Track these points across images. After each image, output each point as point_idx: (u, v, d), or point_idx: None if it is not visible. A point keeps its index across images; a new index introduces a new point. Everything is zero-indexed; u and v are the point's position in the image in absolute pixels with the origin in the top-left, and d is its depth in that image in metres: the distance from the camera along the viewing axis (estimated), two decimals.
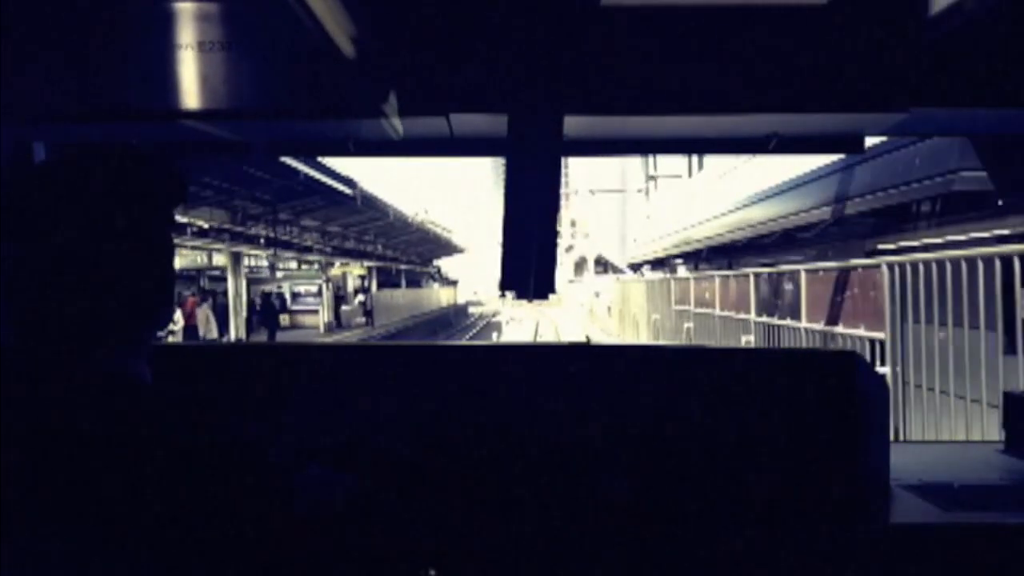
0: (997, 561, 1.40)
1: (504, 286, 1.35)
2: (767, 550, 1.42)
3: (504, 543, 1.42)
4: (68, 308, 0.91)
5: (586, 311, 40.95)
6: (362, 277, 32.56)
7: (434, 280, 54.89)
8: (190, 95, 1.31)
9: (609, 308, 29.52)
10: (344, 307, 28.25)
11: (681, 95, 1.34)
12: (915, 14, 1.26)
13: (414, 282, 45.82)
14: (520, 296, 1.37)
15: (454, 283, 67.79)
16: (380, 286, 35.17)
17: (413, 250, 42.74)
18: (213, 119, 1.41)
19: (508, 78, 1.32)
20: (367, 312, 28.69)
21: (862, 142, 1.61)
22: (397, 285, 39.28)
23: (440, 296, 48.57)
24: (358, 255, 31.92)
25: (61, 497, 0.83)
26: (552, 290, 1.34)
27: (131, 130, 1.51)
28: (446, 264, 68.99)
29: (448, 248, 49.74)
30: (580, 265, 58.40)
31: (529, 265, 1.33)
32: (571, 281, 57.48)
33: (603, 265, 52.29)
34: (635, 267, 32.00)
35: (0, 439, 0.83)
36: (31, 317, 0.92)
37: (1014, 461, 1.82)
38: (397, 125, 1.38)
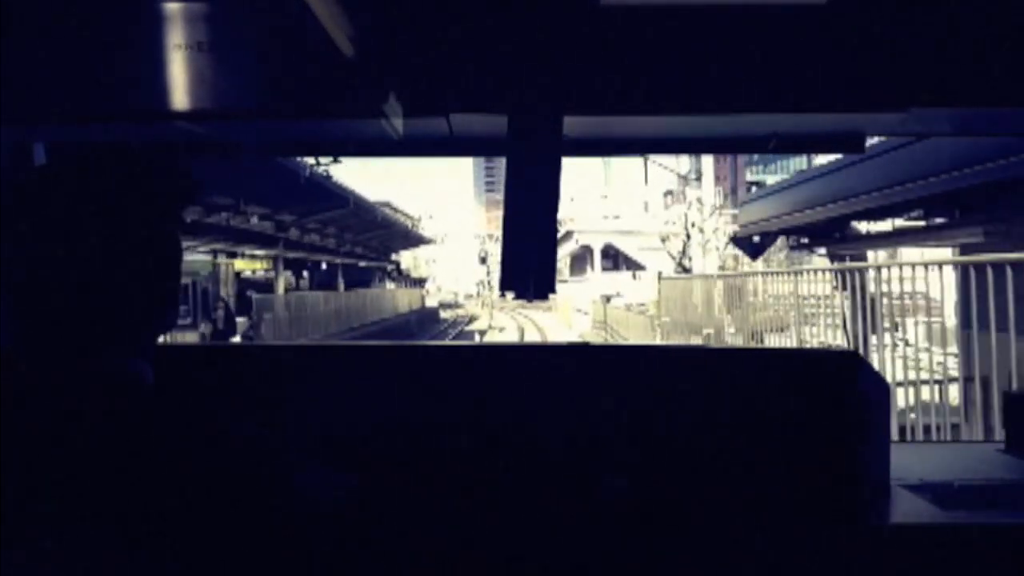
0: (997, 561, 1.40)
1: (504, 286, 1.35)
2: (767, 549, 1.42)
3: (505, 542, 1.42)
4: (70, 309, 0.91)
5: (590, 322, 28.65)
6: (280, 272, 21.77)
7: (392, 279, 44.06)
8: (190, 95, 1.31)
9: (659, 325, 15.60)
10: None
11: (681, 95, 1.34)
12: (915, 14, 1.26)
13: (362, 281, 35.49)
14: (519, 296, 1.37)
15: (421, 282, 56.49)
16: (317, 286, 27.65)
17: (352, 238, 29.25)
18: (213, 119, 1.41)
19: (508, 78, 1.32)
20: (225, 329, 16.72)
21: (862, 142, 1.61)
22: (331, 285, 28.83)
23: (398, 299, 38.11)
24: (258, 240, 20.14)
25: (62, 497, 0.83)
26: (552, 290, 1.35)
27: (131, 130, 1.51)
28: (416, 260, 57.16)
29: (410, 238, 39.84)
30: (581, 258, 45.71)
31: (529, 265, 1.33)
32: (564, 281, 44.47)
33: (612, 258, 42.26)
34: (758, 244, 14.55)
35: (1, 440, 0.84)
36: (33, 318, 0.92)
37: (1014, 461, 1.82)
38: (397, 125, 1.38)
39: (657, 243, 35.06)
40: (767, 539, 1.43)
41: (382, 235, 32.64)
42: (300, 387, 1.57)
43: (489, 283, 45.13)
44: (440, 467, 1.54)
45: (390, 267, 43.58)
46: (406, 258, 52.60)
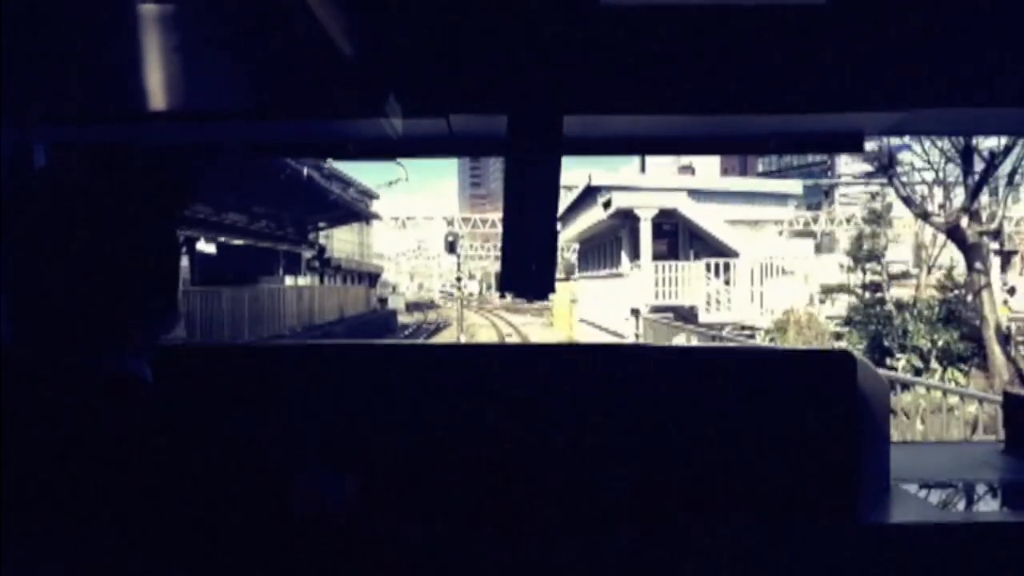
0: (997, 561, 1.40)
1: (504, 287, 1.35)
2: (766, 549, 1.42)
3: (505, 543, 1.42)
4: (69, 309, 0.92)
5: None
6: None
7: (314, 270, 28.33)
8: (190, 96, 1.30)
9: None
10: None
11: (681, 95, 1.34)
12: (915, 14, 1.26)
13: (263, 271, 23.32)
14: (519, 296, 1.37)
15: (371, 277, 39.78)
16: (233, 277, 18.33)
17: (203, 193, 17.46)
18: (213, 120, 1.41)
19: (508, 78, 1.32)
20: None
21: (862, 142, 1.61)
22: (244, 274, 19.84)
23: (320, 301, 24.87)
24: None
25: (60, 497, 0.83)
26: (552, 290, 1.35)
27: (131, 131, 1.51)
28: (366, 248, 40.67)
29: (329, 208, 25.29)
30: (608, 237, 25.33)
31: (529, 265, 1.34)
32: (565, 279, 31.77)
33: (669, 234, 22.25)
34: None
35: (0, 439, 0.84)
36: (32, 317, 0.92)
37: (1014, 461, 1.82)
38: (397, 125, 1.37)
39: (765, 214, 22.64)
40: (767, 539, 1.43)
41: (251, 190, 19.11)
42: (300, 387, 1.57)
43: (460, 278, 32.67)
44: (440, 467, 1.54)
45: (309, 254, 27.90)
46: (345, 243, 35.73)
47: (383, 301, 43.09)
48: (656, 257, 21.14)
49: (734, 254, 20.68)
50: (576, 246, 33.26)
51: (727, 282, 19.99)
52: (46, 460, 0.84)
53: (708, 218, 21.43)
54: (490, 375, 1.58)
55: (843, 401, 1.52)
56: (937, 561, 1.40)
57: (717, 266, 20.16)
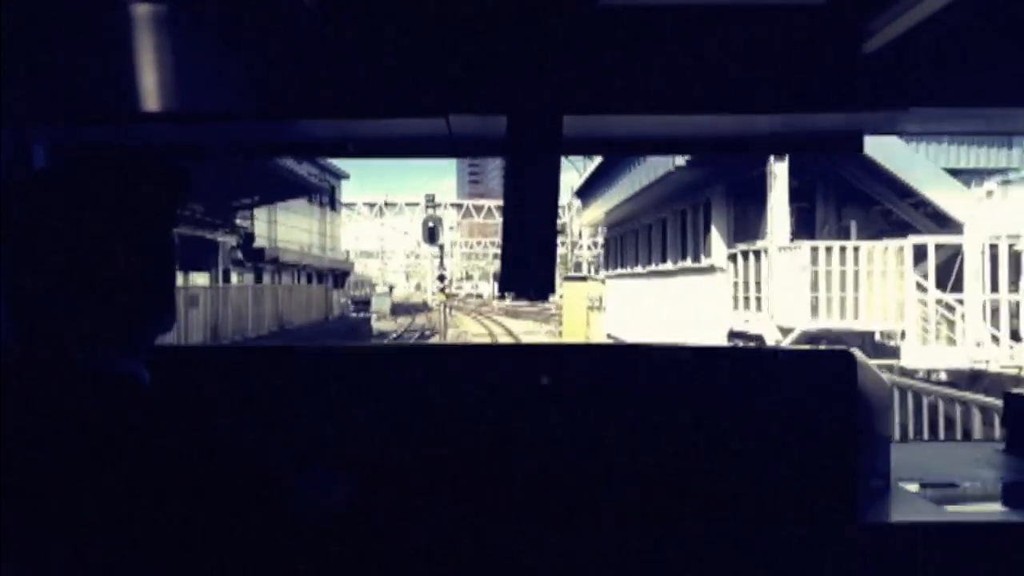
0: (997, 561, 1.40)
1: (503, 286, 1.36)
2: (767, 549, 1.42)
3: (504, 543, 1.42)
4: (67, 309, 0.92)
5: None
6: None
7: (241, 265, 23.43)
8: (190, 97, 1.31)
9: None
10: None
11: (681, 95, 1.35)
12: (915, 14, 1.26)
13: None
14: (519, 296, 1.38)
15: (336, 275, 33.50)
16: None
17: None
18: (212, 120, 1.41)
19: (508, 78, 1.32)
20: None
21: (862, 142, 1.61)
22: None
23: (212, 310, 19.45)
24: None
25: (59, 497, 0.83)
26: (552, 290, 1.35)
27: (131, 132, 1.51)
28: (330, 238, 33.42)
29: (279, 185, 21.46)
30: (672, 218, 15.94)
31: (529, 265, 1.34)
32: (579, 278, 25.84)
33: (797, 193, 11.49)
34: None
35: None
36: (31, 318, 0.93)
37: (1014, 461, 1.82)
38: (397, 126, 1.38)
39: (982, 158, 12.62)
40: (767, 539, 1.43)
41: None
42: (301, 388, 1.57)
43: (443, 276, 28.11)
44: (441, 467, 1.54)
45: (232, 241, 22.93)
46: (298, 232, 28.32)
47: (364, 304, 38.37)
48: (795, 248, 10.86)
49: (944, 225, 10.69)
50: (600, 232, 25.19)
51: (944, 285, 10.25)
52: (44, 460, 0.84)
53: (906, 155, 10.86)
54: (491, 375, 1.58)
55: (843, 401, 1.52)
56: (937, 561, 1.40)
57: (923, 250, 10.11)
